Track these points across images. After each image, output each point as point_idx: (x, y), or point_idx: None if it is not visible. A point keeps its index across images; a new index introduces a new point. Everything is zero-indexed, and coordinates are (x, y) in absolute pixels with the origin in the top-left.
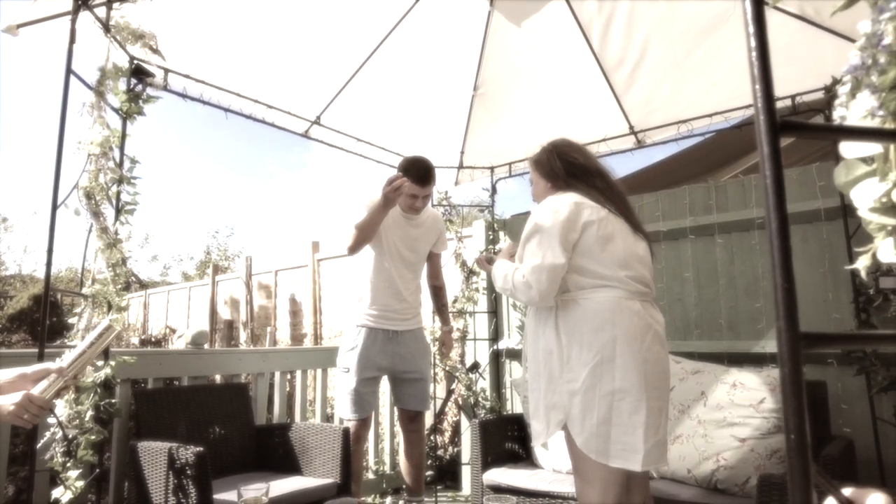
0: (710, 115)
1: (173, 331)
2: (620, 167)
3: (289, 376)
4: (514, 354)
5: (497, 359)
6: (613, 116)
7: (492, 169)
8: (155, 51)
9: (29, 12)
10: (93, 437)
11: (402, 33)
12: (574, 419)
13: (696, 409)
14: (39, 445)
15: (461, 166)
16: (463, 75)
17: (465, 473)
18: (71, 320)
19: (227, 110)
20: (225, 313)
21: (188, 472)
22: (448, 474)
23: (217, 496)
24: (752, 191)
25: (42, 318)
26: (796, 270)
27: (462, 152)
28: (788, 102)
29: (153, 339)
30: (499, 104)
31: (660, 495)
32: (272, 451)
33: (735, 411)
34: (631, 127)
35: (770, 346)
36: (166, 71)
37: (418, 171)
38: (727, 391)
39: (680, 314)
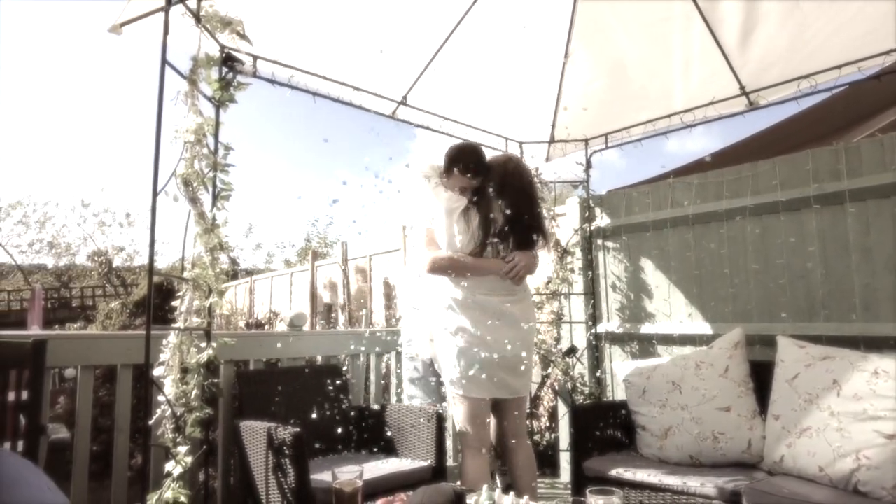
0: (838, 67)
1: (276, 314)
2: (731, 132)
3: (385, 358)
4: (615, 338)
5: (596, 343)
6: (721, 75)
7: (586, 141)
8: (242, 36)
9: (127, 11)
10: (199, 415)
11: (486, 3)
12: None
13: (828, 399)
14: (152, 422)
15: (552, 140)
16: (552, 42)
17: (564, 461)
18: (174, 303)
19: (314, 94)
20: (325, 297)
21: (286, 451)
22: (546, 461)
23: (314, 476)
24: (895, 151)
25: (147, 301)
26: (882, 250)
27: (553, 126)
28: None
29: (258, 323)
30: (592, 69)
31: (786, 496)
32: (369, 433)
33: (878, 403)
34: (742, 87)
35: None
36: (255, 58)
37: (466, 163)
38: (867, 380)
39: (803, 293)
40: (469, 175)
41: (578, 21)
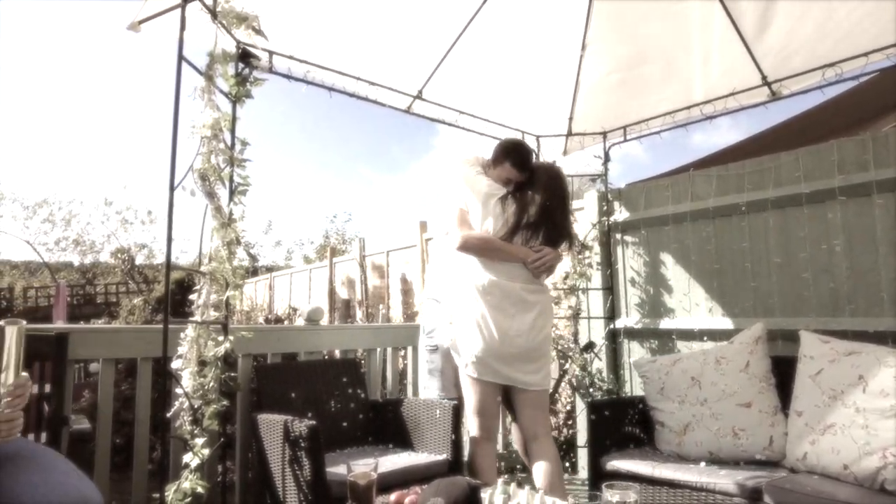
0: (865, 54)
1: (295, 310)
2: (759, 127)
3: (402, 352)
4: (634, 334)
5: (614, 338)
6: (742, 65)
7: (604, 134)
8: (258, 31)
9: (145, 9)
10: (216, 407)
11: None
12: None
13: (853, 395)
14: (170, 414)
15: (570, 134)
16: (569, 34)
17: (582, 457)
18: (192, 296)
19: (330, 89)
20: (343, 293)
21: (302, 444)
22: (563, 457)
23: (330, 469)
24: None
25: (165, 293)
26: None
27: (570, 118)
28: None
29: (277, 319)
30: (610, 60)
31: (810, 493)
32: (385, 426)
33: None
34: (764, 77)
35: None
36: (271, 53)
37: (520, 157)
38: (894, 375)
39: (827, 287)
40: (517, 168)
41: (595, 12)
